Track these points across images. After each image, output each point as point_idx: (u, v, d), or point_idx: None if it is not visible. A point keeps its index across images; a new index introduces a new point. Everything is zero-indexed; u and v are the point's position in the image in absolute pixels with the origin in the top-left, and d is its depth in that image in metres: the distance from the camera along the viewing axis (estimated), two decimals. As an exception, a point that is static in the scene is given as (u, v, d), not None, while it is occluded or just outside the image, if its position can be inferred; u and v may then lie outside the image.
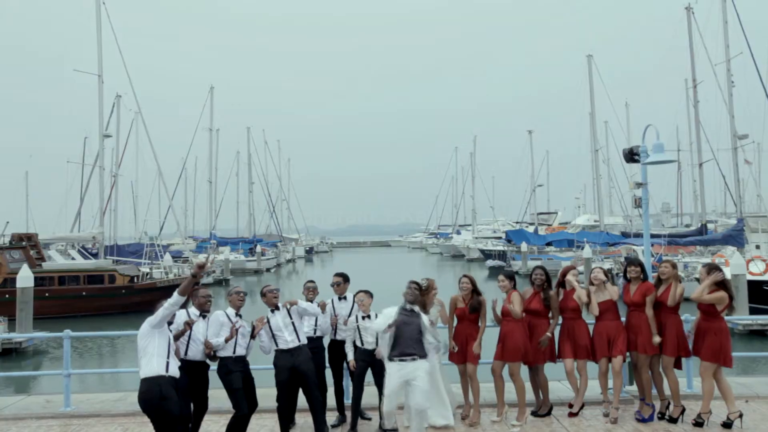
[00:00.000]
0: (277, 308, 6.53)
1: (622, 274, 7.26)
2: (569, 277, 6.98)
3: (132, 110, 46.01)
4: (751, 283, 20.67)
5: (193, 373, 6.09)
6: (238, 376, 6.22)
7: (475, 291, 6.96)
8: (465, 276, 7.08)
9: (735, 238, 28.04)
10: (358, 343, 6.77)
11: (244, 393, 6.23)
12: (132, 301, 28.80)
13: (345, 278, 7.36)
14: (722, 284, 6.36)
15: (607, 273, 7.18)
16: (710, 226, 38.03)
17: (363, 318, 6.81)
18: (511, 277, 7.11)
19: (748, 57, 28.83)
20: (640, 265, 6.89)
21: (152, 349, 5.40)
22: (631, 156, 7.74)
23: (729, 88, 29.10)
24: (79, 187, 43.41)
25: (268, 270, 57.94)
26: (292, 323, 6.54)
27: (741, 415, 6.44)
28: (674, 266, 6.78)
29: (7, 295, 24.53)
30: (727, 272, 21.60)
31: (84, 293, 28.41)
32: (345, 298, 7.24)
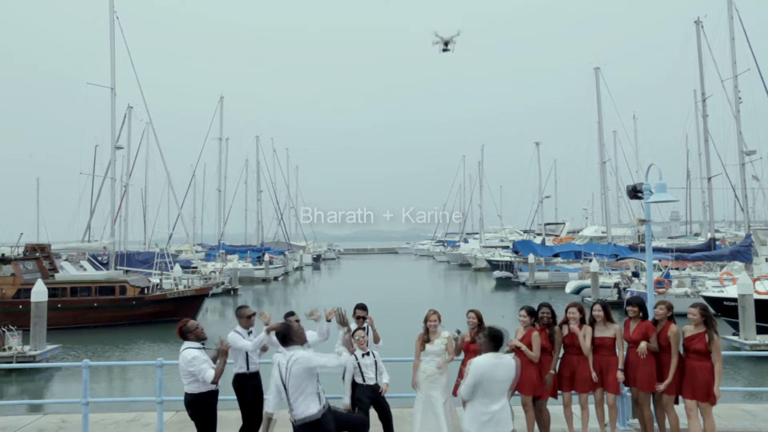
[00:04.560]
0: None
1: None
2: (571, 323, 7.18)
3: (143, 121, 46.71)
4: (758, 302, 20.65)
5: None
6: (251, 390, 6.63)
7: (481, 325, 7.14)
8: (471, 311, 7.26)
9: (743, 253, 28.00)
10: (359, 380, 6.86)
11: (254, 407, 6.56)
12: (142, 313, 29.14)
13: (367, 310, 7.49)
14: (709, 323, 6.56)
15: (608, 309, 7.33)
16: (717, 235, 37.92)
17: (363, 355, 6.94)
18: (532, 313, 7.28)
19: (756, 73, 28.87)
20: (639, 305, 7.05)
21: (311, 388, 5.24)
22: (635, 193, 7.90)
23: (736, 104, 29.13)
24: (90, 197, 44.02)
25: (275, 279, 58.22)
26: None
27: None
28: (669, 308, 6.91)
29: (20, 306, 24.88)
30: (734, 291, 21.64)
31: (95, 304, 28.76)
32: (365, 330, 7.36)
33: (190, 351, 6.03)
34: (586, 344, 7.07)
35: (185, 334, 6.17)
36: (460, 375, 7.13)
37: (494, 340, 5.22)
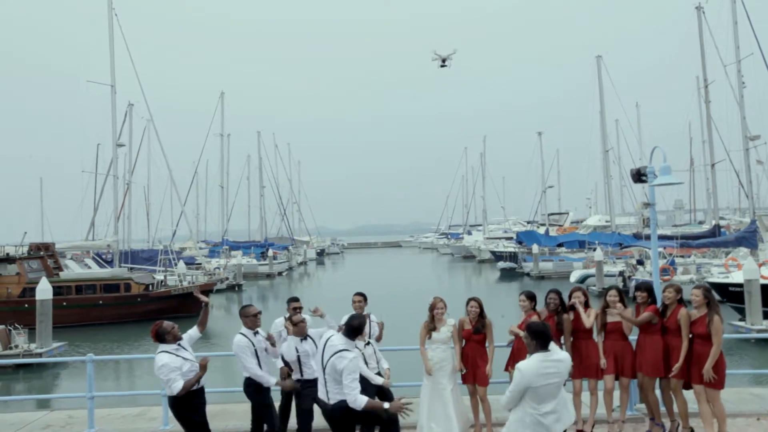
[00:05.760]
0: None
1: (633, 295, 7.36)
2: (575, 303, 7.12)
3: (144, 118, 46.71)
4: (764, 287, 20.55)
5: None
6: (267, 394, 6.45)
7: (482, 314, 7.08)
8: (473, 299, 7.19)
9: (748, 239, 27.85)
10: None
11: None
12: (147, 309, 29.19)
13: (365, 298, 7.43)
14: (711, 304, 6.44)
15: (623, 294, 7.26)
16: (722, 223, 37.73)
17: (365, 345, 6.87)
18: (532, 297, 7.25)
19: (759, 57, 28.59)
20: (647, 290, 6.98)
21: None
22: (639, 176, 7.80)
23: (740, 89, 28.88)
24: (93, 196, 44.10)
25: (279, 274, 58.31)
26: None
27: None
28: (678, 290, 6.82)
29: (26, 305, 24.98)
30: (740, 276, 21.55)
31: (100, 302, 28.87)
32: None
33: (161, 356, 5.75)
34: (589, 320, 7.01)
35: (162, 336, 5.85)
36: (463, 361, 7.10)
37: (538, 338, 4.59)
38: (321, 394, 5.44)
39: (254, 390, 6.38)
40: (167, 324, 5.96)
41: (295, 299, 7.21)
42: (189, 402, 5.81)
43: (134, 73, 35.21)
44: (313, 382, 6.37)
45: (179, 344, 5.92)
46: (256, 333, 6.47)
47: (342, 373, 5.17)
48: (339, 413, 5.27)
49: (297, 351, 6.48)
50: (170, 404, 5.89)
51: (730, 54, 30.02)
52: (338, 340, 5.44)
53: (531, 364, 4.54)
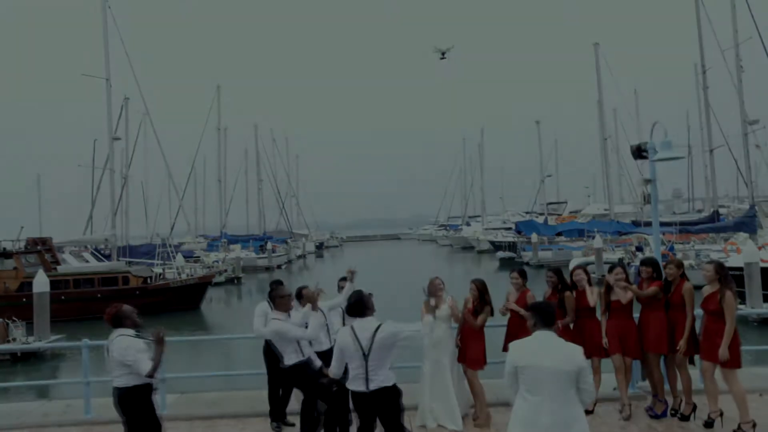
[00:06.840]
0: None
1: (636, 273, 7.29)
2: (579, 280, 7.05)
3: (140, 112, 46.40)
4: (764, 270, 20.49)
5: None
6: (314, 372, 6.09)
7: (483, 299, 6.96)
8: (473, 281, 7.10)
9: (747, 224, 27.80)
10: None
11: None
12: (146, 302, 29.08)
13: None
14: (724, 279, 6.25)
15: (627, 270, 7.17)
16: (722, 211, 37.69)
17: None
18: (523, 274, 7.20)
19: (758, 41, 28.43)
20: (652, 265, 6.89)
21: (389, 360, 5.28)
22: (639, 153, 7.71)
23: (738, 74, 28.74)
24: (90, 190, 43.93)
25: (279, 267, 58.22)
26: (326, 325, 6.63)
27: (722, 414, 6.36)
28: (679, 266, 6.74)
29: (24, 299, 24.84)
30: (739, 260, 21.48)
31: (99, 295, 28.73)
32: None
33: (124, 339, 5.26)
34: (593, 297, 6.94)
35: (121, 320, 5.36)
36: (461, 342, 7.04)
37: (539, 314, 4.07)
38: (358, 385, 5.11)
39: (299, 373, 5.91)
40: (127, 308, 5.46)
41: (280, 282, 7.12)
42: (142, 395, 5.30)
43: (129, 67, 34.93)
44: (321, 355, 6.33)
45: (138, 331, 5.44)
46: (288, 317, 6.05)
47: (395, 337, 5.09)
48: (381, 397, 5.08)
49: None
50: (119, 398, 5.29)
51: (728, 39, 29.87)
52: (365, 322, 5.18)
53: (522, 340, 4.17)
